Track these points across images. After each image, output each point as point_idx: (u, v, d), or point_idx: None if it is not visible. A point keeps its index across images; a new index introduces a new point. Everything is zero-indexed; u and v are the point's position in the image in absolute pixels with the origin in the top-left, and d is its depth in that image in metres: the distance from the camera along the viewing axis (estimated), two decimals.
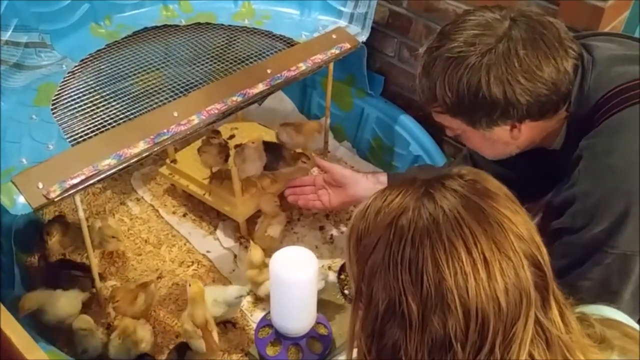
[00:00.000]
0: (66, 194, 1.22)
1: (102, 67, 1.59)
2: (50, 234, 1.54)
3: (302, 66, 1.61)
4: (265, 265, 1.46)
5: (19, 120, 1.42)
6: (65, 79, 1.54)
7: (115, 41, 1.68)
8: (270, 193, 1.66)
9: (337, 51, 1.68)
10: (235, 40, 1.73)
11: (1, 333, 0.98)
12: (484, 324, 0.68)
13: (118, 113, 1.43)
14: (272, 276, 1.29)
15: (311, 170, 1.77)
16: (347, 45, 1.71)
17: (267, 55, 1.68)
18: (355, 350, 0.79)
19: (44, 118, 1.42)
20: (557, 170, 1.17)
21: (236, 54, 1.67)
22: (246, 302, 1.54)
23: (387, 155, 1.94)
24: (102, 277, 1.56)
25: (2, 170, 1.28)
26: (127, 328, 1.35)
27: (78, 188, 1.24)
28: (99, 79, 1.54)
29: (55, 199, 1.21)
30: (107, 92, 1.49)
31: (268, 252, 1.52)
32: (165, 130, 1.37)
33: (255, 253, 1.48)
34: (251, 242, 1.54)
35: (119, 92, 1.50)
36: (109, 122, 1.40)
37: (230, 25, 1.79)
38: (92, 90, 1.51)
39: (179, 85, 1.52)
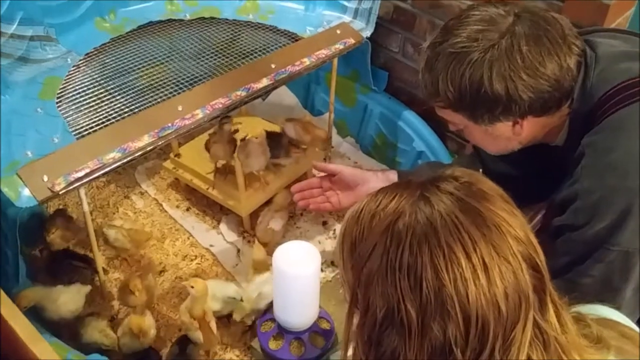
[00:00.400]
0: (71, 187, 1.23)
1: (107, 61, 1.59)
2: (49, 231, 1.55)
3: (307, 61, 1.61)
4: (267, 268, 1.45)
5: (24, 113, 1.43)
6: (70, 72, 1.55)
7: (120, 35, 1.68)
8: (287, 189, 1.65)
9: (342, 46, 1.68)
10: (239, 34, 1.74)
11: (6, 325, 0.99)
12: (484, 329, 0.68)
13: (122, 107, 1.43)
14: (275, 270, 1.30)
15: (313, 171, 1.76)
16: (352, 41, 1.71)
17: (272, 50, 1.68)
18: (350, 351, 0.79)
19: (49, 111, 1.43)
20: (560, 167, 1.17)
21: (240, 48, 1.68)
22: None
23: (391, 151, 1.94)
24: (105, 271, 1.57)
25: (7, 163, 1.29)
26: (133, 322, 1.35)
27: (83, 181, 1.25)
28: (104, 72, 1.55)
29: (60, 192, 1.22)
30: (112, 86, 1.50)
31: (269, 246, 1.53)
32: (169, 124, 1.37)
33: (258, 252, 1.48)
34: (256, 241, 1.54)
35: (123, 86, 1.50)
36: (114, 115, 1.41)
37: (234, 20, 1.79)
38: (97, 84, 1.51)
39: (183, 79, 1.53)
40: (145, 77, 1.54)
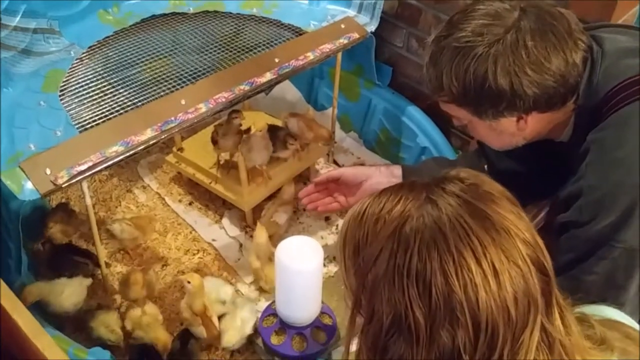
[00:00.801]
0: (73, 180, 1.23)
1: (110, 54, 1.59)
2: (48, 225, 1.55)
3: (310, 55, 1.60)
4: (270, 259, 1.45)
5: (27, 106, 1.42)
6: (73, 65, 1.54)
7: (123, 28, 1.68)
8: (292, 183, 1.66)
9: (346, 41, 1.67)
10: (243, 28, 1.73)
11: (9, 318, 0.99)
12: (494, 334, 0.67)
13: (125, 100, 1.43)
14: (278, 265, 1.29)
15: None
16: (356, 35, 1.70)
17: (275, 44, 1.67)
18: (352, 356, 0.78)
19: (52, 104, 1.42)
20: (565, 163, 1.16)
21: (244, 42, 1.67)
22: (251, 291, 1.55)
23: (394, 146, 1.94)
24: (108, 264, 1.57)
25: (10, 155, 1.29)
26: (137, 315, 1.36)
27: (85, 174, 1.25)
28: (107, 66, 1.54)
29: (63, 185, 1.22)
30: (115, 79, 1.49)
31: (272, 240, 1.53)
32: (172, 118, 1.37)
33: (261, 234, 1.47)
34: (258, 223, 1.54)
35: (126, 79, 1.50)
36: (117, 109, 1.40)
37: (238, 14, 1.78)
38: (100, 77, 1.51)
39: (186, 73, 1.52)
40: (148, 70, 1.53)
